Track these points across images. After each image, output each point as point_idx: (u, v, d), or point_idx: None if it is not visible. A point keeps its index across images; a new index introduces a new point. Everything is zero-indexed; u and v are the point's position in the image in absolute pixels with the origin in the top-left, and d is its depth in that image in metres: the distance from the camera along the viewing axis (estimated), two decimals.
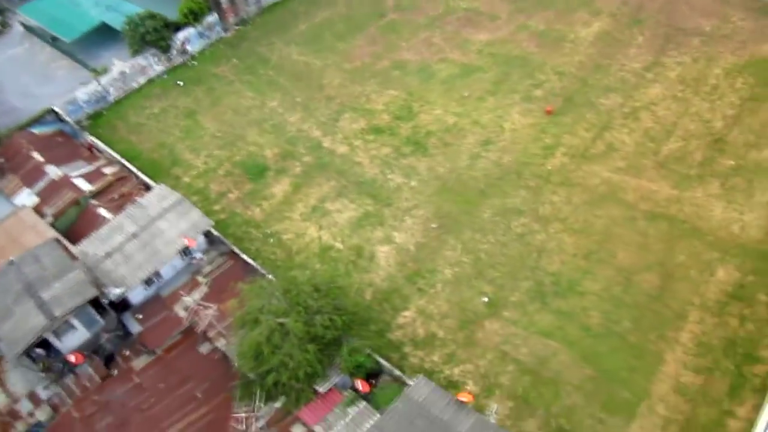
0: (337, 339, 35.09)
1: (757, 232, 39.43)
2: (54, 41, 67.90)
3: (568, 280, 39.29)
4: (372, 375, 35.99)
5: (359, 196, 47.04)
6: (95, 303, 38.61)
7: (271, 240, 45.62)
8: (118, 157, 52.33)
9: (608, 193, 43.47)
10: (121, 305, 40.30)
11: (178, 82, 61.71)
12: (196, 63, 63.95)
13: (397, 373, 35.72)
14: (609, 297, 38.08)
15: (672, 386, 33.98)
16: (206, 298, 40.66)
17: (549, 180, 45.11)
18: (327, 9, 66.74)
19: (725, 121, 46.18)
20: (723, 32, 53.19)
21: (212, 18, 65.02)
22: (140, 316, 40.09)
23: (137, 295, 40.65)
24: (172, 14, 63.42)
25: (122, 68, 60.85)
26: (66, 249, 40.89)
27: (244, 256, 42.62)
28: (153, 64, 62.74)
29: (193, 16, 63.70)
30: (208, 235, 43.90)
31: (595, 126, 48.02)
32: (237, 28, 67.14)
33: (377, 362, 36.11)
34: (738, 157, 43.67)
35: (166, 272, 41.71)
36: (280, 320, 33.87)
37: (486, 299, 39.26)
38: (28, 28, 71.67)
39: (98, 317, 38.84)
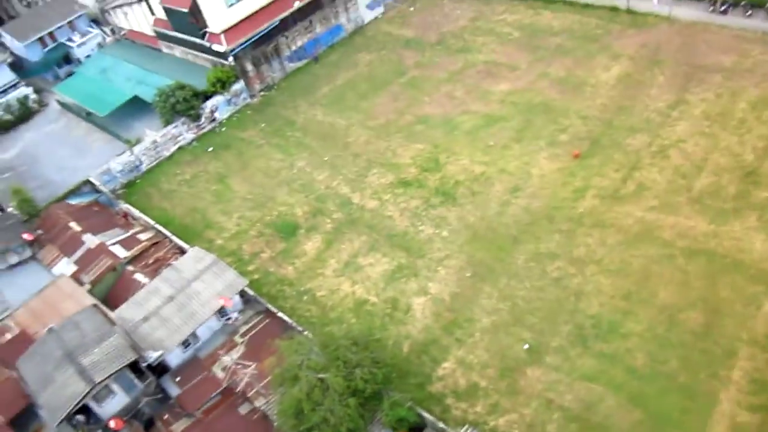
0: (378, 393, 34.55)
1: None
2: (88, 116, 70.54)
3: (609, 322, 38.45)
4: (415, 429, 35.18)
5: (391, 249, 47.08)
6: (134, 367, 38.69)
7: (305, 297, 45.63)
8: (152, 222, 53.38)
9: (643, 232, 42.91)
10: (160, 368, 40.31)
11: (209, 149, 63.31)
12: (224, 129, 65.73)
13: (441, 425, 34.87)
14: (653, 337, 37.09)
15: (728, 427, 32.60)
16: (244, 357, 40.52)
17: (581, 223, 44.76)
18: (349, 71, 68.51)
19: (756, 153, 45.72)
20: (744, 67, 53.28)
21: (239, 85, 67.12)
22: (179, 379, 39.99)
23: (175, 357, 40.67)
24: (201, 84, 65.68)
25: (154, 138, 62.78)
26: (104, 315, 41.32)
27: (280, 314, 42.62)
28: (183, 132, 64.64)
29: (221, 85, 65.85)
30: (243, 294, 44.08)
31: (624, 166, 47.86)
32: (263, 93, 69.15)
33: (419, 415, 35.34)
34: None
35: (203, 333, 41.79)
36: (320, 376, 33.53)
37: (527, 346, 38.51)
38: (64, 105, 74.70)
39: (137, 381, 38.86)
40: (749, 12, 58.19)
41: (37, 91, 77.39)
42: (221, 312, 42.30)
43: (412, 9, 76.28)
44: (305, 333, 39.64)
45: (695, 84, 53.15)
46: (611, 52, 59.58)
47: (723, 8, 59.37)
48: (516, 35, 65.88)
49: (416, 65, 66.40)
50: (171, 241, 51.56)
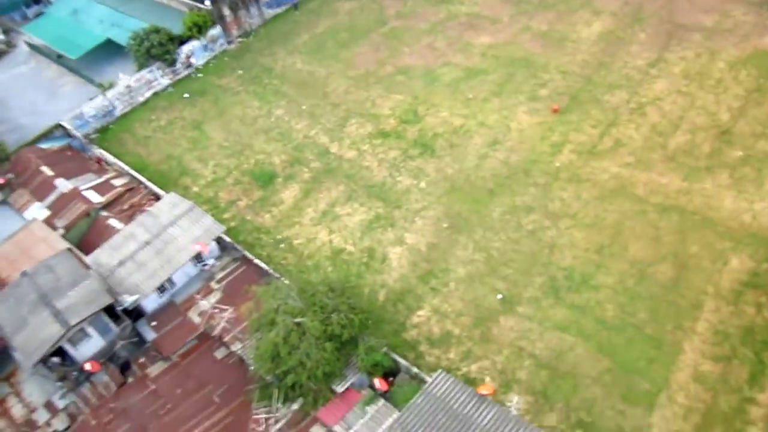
0: (354, 338, 35.04)
1: None
2: (59, 59, 68.52)
3: (582, 275, 39.26)
4: (389, 374, 35.92)
5: (369, 200, 47.17)
6: (110, 311, 38.68)
7: (282, 245, 45.70)
8: (127, 168, 52.64)
9: (618, 187, 43.53)
10: (136, 313, 40.35)
11: (185, 95, 62.13)
12: (201, 75, 64.42)
13: (415, 370, 35.65)
14: (623, 290, 38.03)
15: (691, 375, 33.84)
16: (220, 302, 40.71)
17: (558, 177, 45.21)
18: (329, 19, 67.30)
19: (731, 113, 46.32)
20: (725, 27, 53.50)
21: (216, 31, 65.60)
22: (155, 323, 40.11)
23: (151, 302, 40.69)
24: (177, 28, 64.04)
25: (128, 82, 61.37)
26: (79, 259, 41.00)
27: (257, 261, 42.70)
28: (158, 78, 63.25)
29: (197, 29, 64.30)
30: (219, 241, 44.01)
31: (602, 123, 48.20)
32: (240, 40, 67.71)
33: (394, 361, 36.05)
34: (746, 148, 43.76)
35: (180, 279, 41.79)
36: (297, 320, 33.87)
37: (500, 296, 39.23)
38: (34, 47, 72.37)
39: (113, 325, 38.90)
40: None
41: (4, 31, 74.90)
42: (198, 258, 42.24)
43: None
44: (282, 279, 39.85)
45: (676, 43, 53.30)
46: (594, 7, 59.30)
47: None
48: None
49: (398, 15, 65.42)
50: (146, 187, 51.02)
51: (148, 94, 62.83)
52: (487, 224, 43.46)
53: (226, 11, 66.29)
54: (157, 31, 62.19)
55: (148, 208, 45.75)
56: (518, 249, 41.50)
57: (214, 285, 41.75)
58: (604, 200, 42.96)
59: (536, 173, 45.90)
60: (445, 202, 45.61)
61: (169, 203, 44.30)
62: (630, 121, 47.76)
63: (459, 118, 51.61)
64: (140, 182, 51.49)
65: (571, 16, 58.93)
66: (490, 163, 47.50)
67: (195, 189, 51.84)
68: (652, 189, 42.88)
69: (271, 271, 41.76)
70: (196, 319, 39.85)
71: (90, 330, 37.79)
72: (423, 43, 60.70)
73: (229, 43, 67.18)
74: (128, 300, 38.96)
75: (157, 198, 48.93)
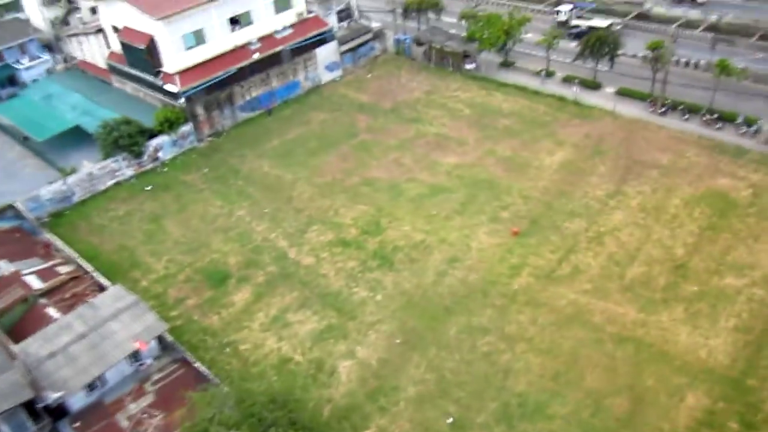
0: None
1: (724, 358, 39.04)
2: (25, 140, 67.88)
3: (535, 402, 37.82)
4: None
5: (323, 308, 45.79)
6: (29, 407, 35.57)
7: (227, 350, 43.53)
8: (75, 256, 50.63)
9: (575, 314, 43.08)
10: (58, 411, 37.18)
11: (147, 187, 61.43)
12: (166, 169, 64.13)
13: None
14: (578, 421, 36.56)
15: None
16: (152, 406, 37.86)
17: (515, 300, 44.70)
18: (301, 127, 68.51)
19: (686, 248, 47.13)
20: (679, 166, 55.67)
21: (187, 128, 66.05)
22: (77, 425, 36.90)
23: (78, 400, 37.67)
24: (148, 121, 64.32)
25: (91, 170, 60.61)
26: (5, 347, 38.21)
27: (198, 364, 40.35)
28: (123, 168, 62.70)
29: (169, 125, 64.61)
30: (161, 340, 41.71)
31: (561, 248, 48.52)
32: (210, 139, 68.18)
33: None
34: (701, 283, 44.14)
35: (112, 377, 39.03)
36: None
37: (451, 420, 37.34)
38: (1, 127, 71.63)
39: (30, 424, 35.64)
40: (686, 116, 61.48)
41: None
42: (135, 356, 39.76)
43: (369, 76, 77.71)
44: (222, 386, 37.49)
45: (633, 177, 55.08)
46: (556, 138, 61.54)
47: (662, 110, 62.53)
48: (467, 112, 67.55)
49: (368, 129, 66.94)
50: (92, 276, 48.82)
51: (110, 183, 61.99)
52: (441, 343, 42.20)
53: (200, 110, 67.14)
54: (127, 122, 62.31)
55: (91, 299, 43.50)
56: (472, 371, 40.10)
57: (148, 387, 39.03)
58: (561, 326, 42.32)
59: (494, 294, 45.36)
60: (401, 317, 44.46)
61: (113, 296, 42.29)
62: (588, 249, 48.18)
63: (420, 233, 51.54)
64: (87, 271, 49.36)
65: (534, 144, 60.93)
66: (448, 281, 46.93)
67: (144, 283, 49.92)
68: (609, 318, 42.52)
69: (211, 376, 39.36)
70: (124, 423, 36.84)
71: (2, 427, 34.52)
72: (391, 157, 61.75)
73: (200, 141, 67.52)
74: (52, 397, 36.01)
75: (102, 289, 46.74)
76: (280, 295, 47.41)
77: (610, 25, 76.44)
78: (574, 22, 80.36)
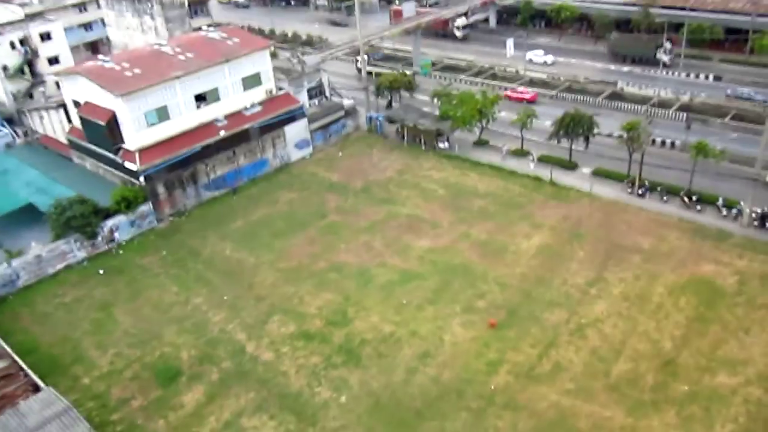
0: None
1: None
2: None
3: None
4: None
5: (281, 412, 41.43)
6: None
7: None
8: (9, 350, 45.95)
9: (558, 419, 39.21)
10: None
11: (100, 271, 57.46)
12: (122, 252, 60.34)
13: None
14: None
15: None
16: None
17: (492, 401, 40.81)
18: (267, 207, 65.49)
19: (674, 341, 43.97)
20: (661, 250, 53.19)
21: (146, 207, 62.63)
22: None
23: None
24: (105, 200, 60.89)
25: (39, 252, 56.60)
26: None
27: None
28: (75, 250, 58.78)
29: (126, 204, 61.20)
30: None
31: (541, 342, 45.06)
32: (172, 219, 64.77)
33: None
34: (692, 383, 40.73)
35: None
36: None
37: None
38: None
39: None
40: (665, 198, 59.57)
41: None
42: None
43: (340, 154, 75.60)
44: None
45: (614, 263, 52.39)
46: (533, 221, 59.07)
47: (640, 191, 60.66)
48: (441, 193, 65.17)
49: (338, 210, 64.07)
50: (27, 374, 44.13)
51: (60, 266, 58.00)
52: None
53: (161, 189, 63.98)
54: (82, 201, 58.78)
55: (19, 403, 38.80)
56: None
57: None
58: None
59: (469, 395, 41.46)
60: (366, 422, 40.23)
61: (43, 401, 37.79)
62: (570, 343, 44.78)
63: (390, 325, 47.86)
64: (21, 368, 44.67)
65: (510, 227, 58.33)
66: (419, 379, 43.03)
67: (85, 380, 45.45)
68: (595, 423, 38.71)
69: None
70: None
71: None
72: (360, 241, 58.63)
73: (159, 221, 64.02)
74: None
75: (37, 389, 42.01)
76: (234, 396, 43.04)
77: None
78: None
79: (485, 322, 47.35)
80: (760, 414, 38.11)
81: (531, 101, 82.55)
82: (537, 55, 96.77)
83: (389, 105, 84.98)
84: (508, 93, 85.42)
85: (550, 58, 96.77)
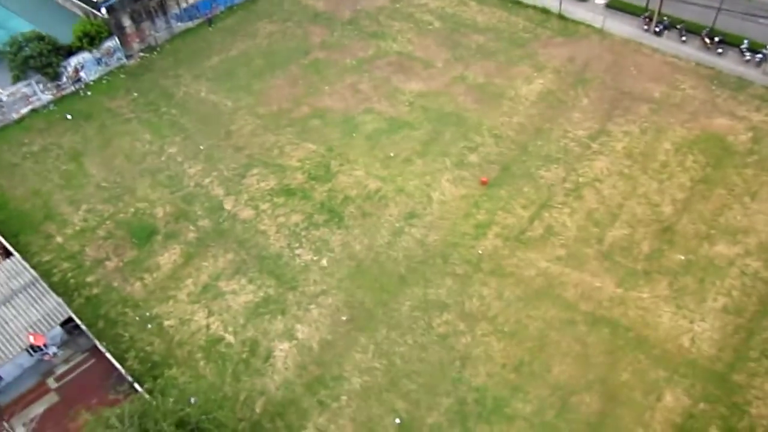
0: None
1: (708, 347, 34.49)
2: None
3: (495, 399, 33.35)
4: None
5: (260, 275, 40.09)
6: None
7: (150, 325, 38.15)
8: None
9: (545, 287, 37.89)
10: None
11: (67, 116, 53.42)
12: (90, 93, 55.71)
13: None
14: (541, 423, 32.31)
15: None
16: (56, 408, 32.85)
17: (479, 267, 39.25)
18: (246, 41, 59.60)
19: (674, 206, 41.45)
20: (672, 101, 48.82)
21: (112, 43, 56.86)
22: None
23: None
24: (66, 36, 55.09)
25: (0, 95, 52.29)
26: None
27: (109, 356, 34.96)
28: (38, 92, 54.22)
29: (89, 40, 55.44)
30: (70, 321, 36.08)
31: (534, 203, 42.56)
32: (142, 55, 59.20)
33: None
34: (688, 251, 38.87)
35: (8, 372, 33.71)
36: None
37: (398, 420, 32.92)
38: None
39: None
40: (684, 37, 53.73)
41: None
42: (33, 348, 34.23)
43: None
44: (133, 391, 32.40)
45: (620, 113, 48.28)
46: (536, 61, 53.78)
47: (658, 29, 54.59)
48: (436, 26, 58.94)
49: (322, 45, 58.36)
50: None
51: (24, 111, 53.70)
52: (393, 321, 37.06)
53: (127, 21, 57.70)
54: (40, 38, 53.01)
55: None
56: (426, 358, 35.27)
57: (51, 383, 33.84)
58: (529, 303, 37.22)
59: (455, 259, 39.81)
60: (348, 287, 38.98)
61: (9, 271, 36.17)
62: (565, 205, 42.29)
63: (375, 181, 45.09)
64: None
65: (510, 68, 53.22)
66: (404, 241, 41.16)
67: (59, 239, 43.58)
68: (584, 293, 37.41)
69: (123, 371, 34.11)
70: (20, 431, 31.91)
71: None
72: (346, 82, 53.86)
73: (128, 57, 58.57)
74: None
75: (8, 253, 40.43)
76: (212, 257, 41.49)
77: None
78: None
79: (476, 178, 44.53)
80: (755, 288, 36.63)
81: None
82: None
83: None
84: None
85: None
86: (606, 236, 40.22)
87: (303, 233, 42.32)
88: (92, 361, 34.97)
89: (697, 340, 34.82)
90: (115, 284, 40.62)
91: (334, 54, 57.16)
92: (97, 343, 35.43)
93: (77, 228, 44.27)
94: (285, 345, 36.49)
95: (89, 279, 40.99)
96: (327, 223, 42.82)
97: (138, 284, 40.48)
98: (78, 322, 36.19)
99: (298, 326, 37.29)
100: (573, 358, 34.65)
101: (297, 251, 41.29)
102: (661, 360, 34.14)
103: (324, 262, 40.51)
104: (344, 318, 37.48)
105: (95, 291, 40.24)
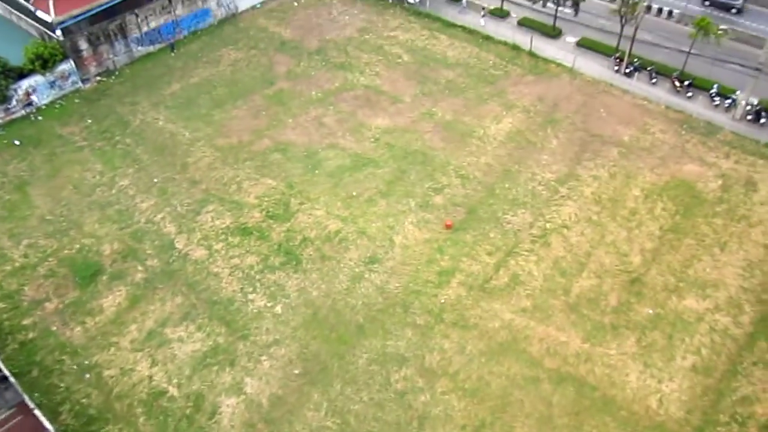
0: None
1: (677, 409, 32.99)
2: None
3: None
4: None
5: (209, 322, 37.74)
6: None
7: (88, 375, 35.53)
8: None
9: (509, 341, 36.17)
10: None
11: (15, 141, 50.77)
12: (41, 118, 53.20)
13: None
14: None
15: None
16: None
17: (441, 318, 37.42)
18: (208, 68, 57.67)
19: (643, 256, 40.23)
20: (642, 144, 47.98)
21: (66, 66, 54.43)
22: None
23: None
24: (17, 57, 52.59)
25: None
26: None
27: (38, 413, 32.20)
28: None
29: (42, 63, 52.95)
30: None
31: (500, 249, 41.02)
32: (99, 79, 56.89)
33: None
34: (657, 305, 37.56)
35: None
36: None
37: None
38: None
39: None
40: (654, 79, 53.16)
41: None
42: None
43: (296, 4, 66.22)
44: None
45: (589, 156, 47.25)
46: (505, 99, 52.69)
47: (628, 70, 53.99)
48: (405, 59, 57.67)
49: (288, 75, 56.65)
50: None
51: None
52: (348, 375, 34.95)
53: (84, 44, 55.41)
54: None
55: None
56: (382, 417, 33.18)
57: None
58: (492, 358, 35.44)
59: (416, 309, 37.95)
60: (302, 337, 36.83)
61: None
62: (531, 252, 40.81)
63: (336, 221, 43.20)
64: None
65: (480, 106, 52.04)
66: (364, 288, 39.21)
67: None
68: (549, 348, 35.77)
69: (52, 430, 31.43)
70: None
71: None
72: (311, 115, 52.15)
73: (84, 81, 56.18)
74: None
75: None
76: (159, 301, 39.05)
77: None
78: None
79: (441, 221, 42.92)
80: (724, 346, 35.36)
81: None
82: None
83: None
84: None
85: None
86: (573, 287, 38.75)
87: (258, 276, 40.15)
88: (19, 417, 32.12)
89: (665, 401, 33.31)
90: (54, 328, 37.95)
91: (300, 85, 55.47)
92: (26, 398, 32.64)
93: (17, 264, 41.55)
94: (232, 400, 34.12)
95: (26, 322, 38.27)
96: (283, 266, 40.72)
97: (78, 329, 37.85)
98: (6, 373, 33.37)
99: (248, 379, 34.97)
100: (536, 419, 32.87)
101: (250, 296, 39.07)
102: (628, 422, 32.53)
103: (278, 308, 38.34)
104: (297, 371, 35.28)
105: (31, 335, 37.53)
